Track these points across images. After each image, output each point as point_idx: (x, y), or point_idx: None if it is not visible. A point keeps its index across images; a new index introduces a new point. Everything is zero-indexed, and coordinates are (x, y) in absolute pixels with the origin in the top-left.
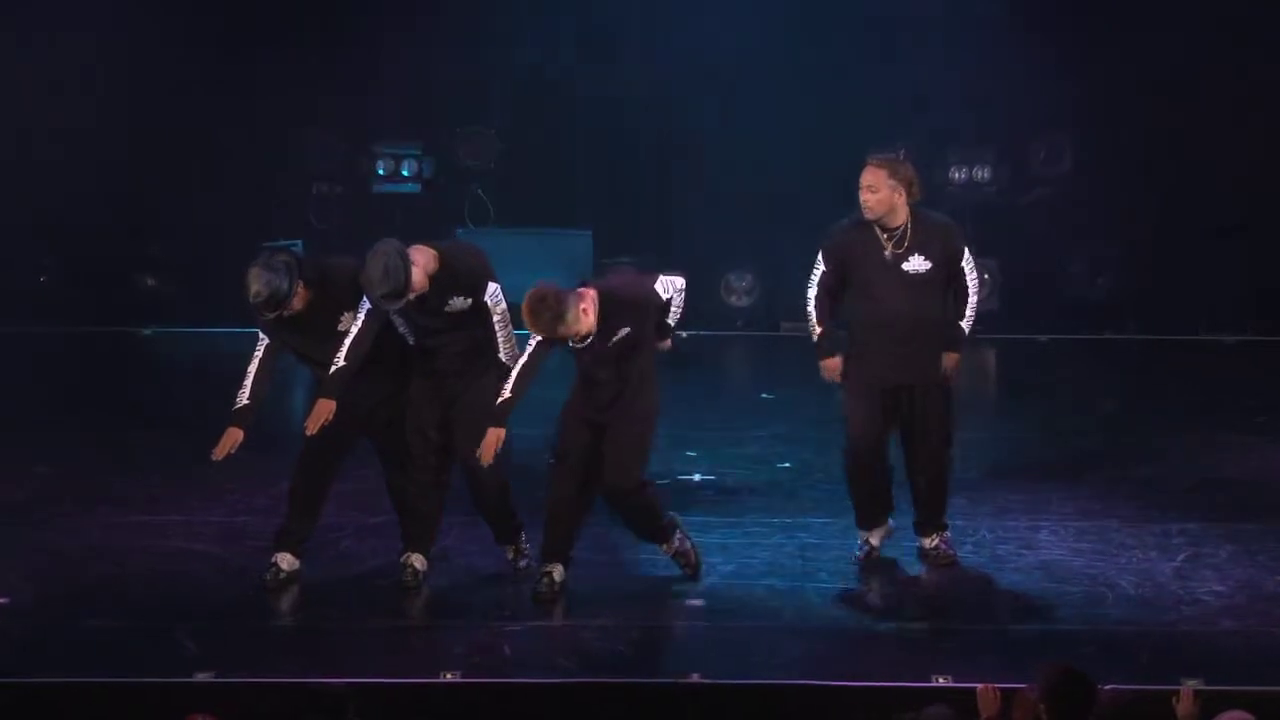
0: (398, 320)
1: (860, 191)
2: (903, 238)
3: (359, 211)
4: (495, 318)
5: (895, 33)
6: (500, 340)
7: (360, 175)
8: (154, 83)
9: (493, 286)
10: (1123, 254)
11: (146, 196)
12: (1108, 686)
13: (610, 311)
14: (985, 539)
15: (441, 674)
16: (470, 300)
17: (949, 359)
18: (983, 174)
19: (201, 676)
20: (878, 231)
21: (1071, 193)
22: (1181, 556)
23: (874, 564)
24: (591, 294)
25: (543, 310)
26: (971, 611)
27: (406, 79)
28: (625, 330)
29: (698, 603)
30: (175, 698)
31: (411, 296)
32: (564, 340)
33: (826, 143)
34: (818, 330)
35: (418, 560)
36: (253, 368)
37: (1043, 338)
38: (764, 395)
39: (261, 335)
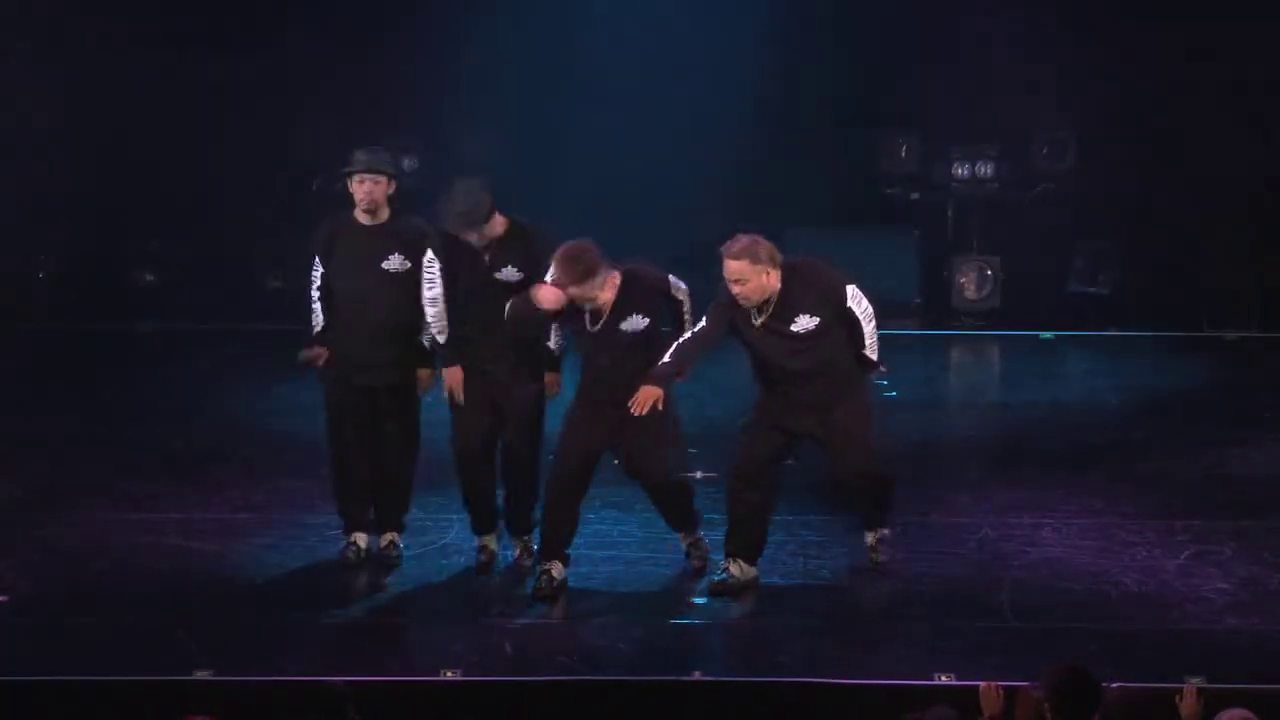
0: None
1: (731, 286)
2: (780, 306)
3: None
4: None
5: (897, 29)
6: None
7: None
8: (153, 79)
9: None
10: (1126, 250)
11: (145, 192)
12: (1112, 685)
13: (629, 295)
14: (988, 536)
15: (442, 672)
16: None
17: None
18: (985, 170)
19: (201, 674)
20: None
21: (1074, 188)
22: (1185, 554)
23: (875, 563)
24: (616, 275)
25: (578, 260)
26: (974, 609)
27: (415, 76)
28: (641, 321)
29: (699, 600)
30: (174, 696)
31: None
32: (580, 302)
33: (828, 142)
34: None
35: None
36: (317, 295)
37: (1045, 334)
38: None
39: (316, 263)
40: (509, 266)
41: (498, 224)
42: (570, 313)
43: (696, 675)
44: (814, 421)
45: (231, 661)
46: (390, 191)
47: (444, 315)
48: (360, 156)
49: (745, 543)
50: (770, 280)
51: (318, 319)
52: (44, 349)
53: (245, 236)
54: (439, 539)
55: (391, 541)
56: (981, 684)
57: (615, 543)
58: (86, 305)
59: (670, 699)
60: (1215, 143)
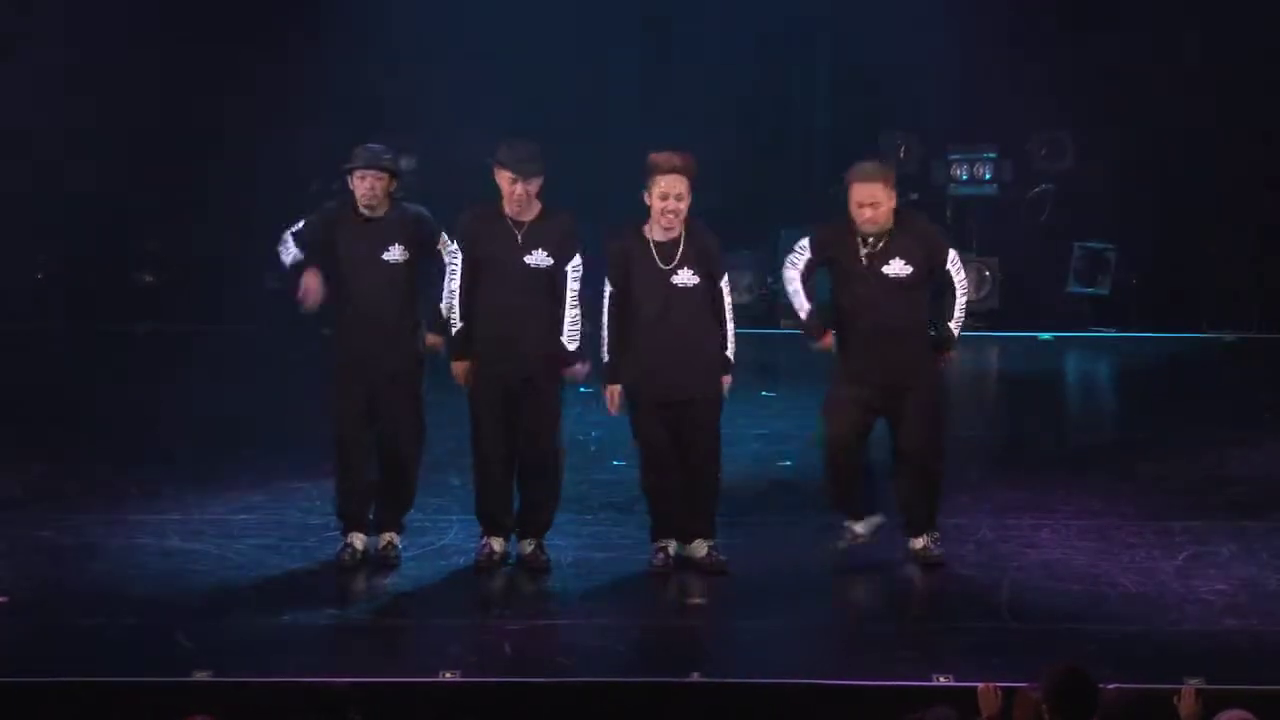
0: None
1: (861, 209)
2: (887, 244)
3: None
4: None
5: (897, 29)
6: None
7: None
8: (152, 80)
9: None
10: (1124, 251)
11: (145, 193)
12: (1110, 686)
13: (695, 236)
14: (987, 537)
15: (441, 673)
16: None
17: (941, 357)
18: (984, 171)
19: (200, 675)
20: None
21: (1073, 189)
22: (1184, 555)
23: (874, 563)
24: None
25: (682, 164)
26: (972, 610)
27: (413, 76)
28: (700, 272)
29: (698, 601)
30: (174, 697)
31: None
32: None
33: (827, 140)
34: (806, 308)
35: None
36: (290, 236)
37: (1044, 335)
38: (764, 393)
39: (300, 224)
40: (540, 250)
41: (535, 204)
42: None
43: (695, 677)
44: (890, 396)
45: (230, 662)
46: (391, 187)
47: (457, 305)
48: (361, 152)
49: (854, 500)
50: (891, 211)
51: (289, 252)
52: (42, 349)
53: (244, 238)
54: (438, 540)
55: (390, 542)
56: (980, 685)
57: (614, 544)
58: (85, 306)
59: (669, 700)
60: (1214, 143)
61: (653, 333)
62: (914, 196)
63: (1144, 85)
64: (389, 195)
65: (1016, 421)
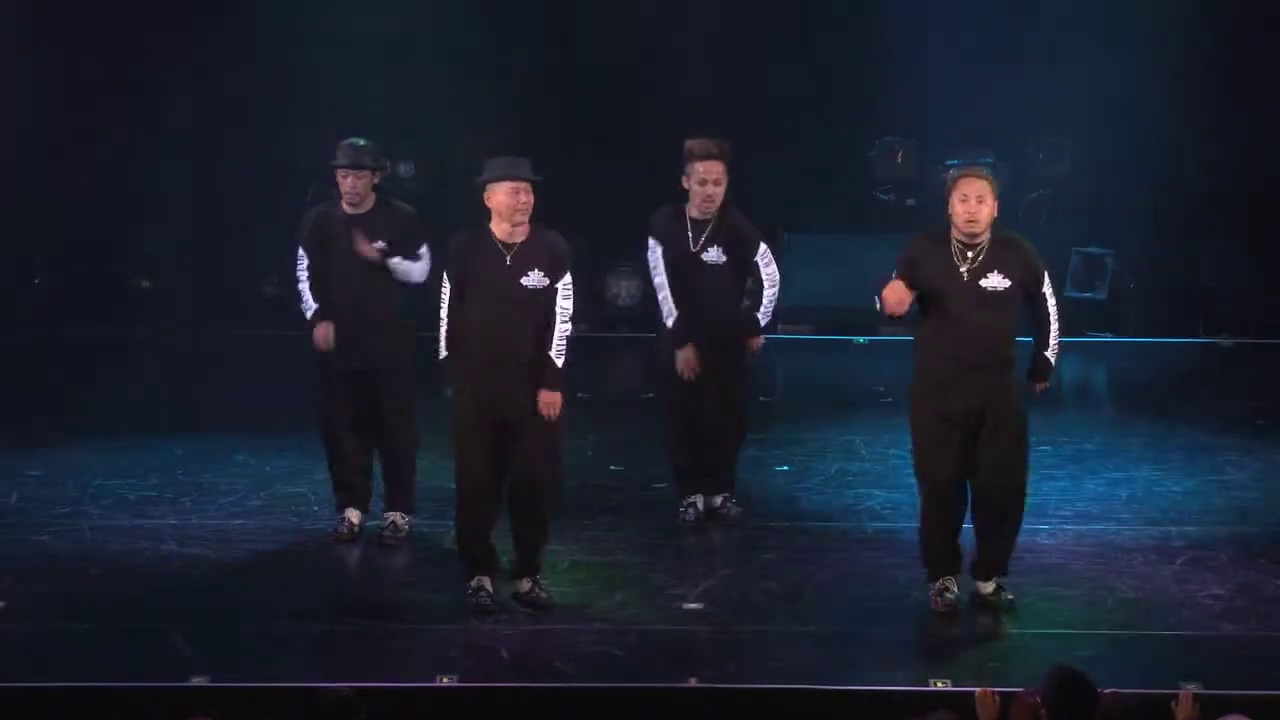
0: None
1: (969, 206)
2: (984, 255)
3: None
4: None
5: (894, 34)
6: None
7: None
8: (148, 81)
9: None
10: (1122, 255)
11: (142, 198)
12: (1108, 691)
13: (733, 214)
14: None
15: (439, 678)
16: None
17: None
18: None
19: (197, 680)
20: (955, 246)
21: (1070, 194)
22: (1181, 560)
23: (873, 568)
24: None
25: (718, 150)
26: (969, 615)
27: (411, 82)
28: (732, 253)
29: (695, 606)
30: (171, 702)
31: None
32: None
33: (825, 148)
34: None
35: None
36: (305, 282)
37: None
38: (762, 398)
39: (301, 254)
40: (535, 271)
41: (526, 225)
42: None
43: (693, 682)
44: (976, 423)
45: (227, 668)
46: (375, 183)
47: (444, 335)
48: (344, 150)
49: (954, 558)
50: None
51: (308, 305)
52: (40, 354)
53: (241, 242)
54: (436, 545)
55: (393, 522)
56: (977, 690)
57: (611, 549)
58: (83, 310)
59: (666, 705)
60: (1212, 148)
61: None
62: (911, 202)
63: (1142, 91)
64: (374, 192)
65: None
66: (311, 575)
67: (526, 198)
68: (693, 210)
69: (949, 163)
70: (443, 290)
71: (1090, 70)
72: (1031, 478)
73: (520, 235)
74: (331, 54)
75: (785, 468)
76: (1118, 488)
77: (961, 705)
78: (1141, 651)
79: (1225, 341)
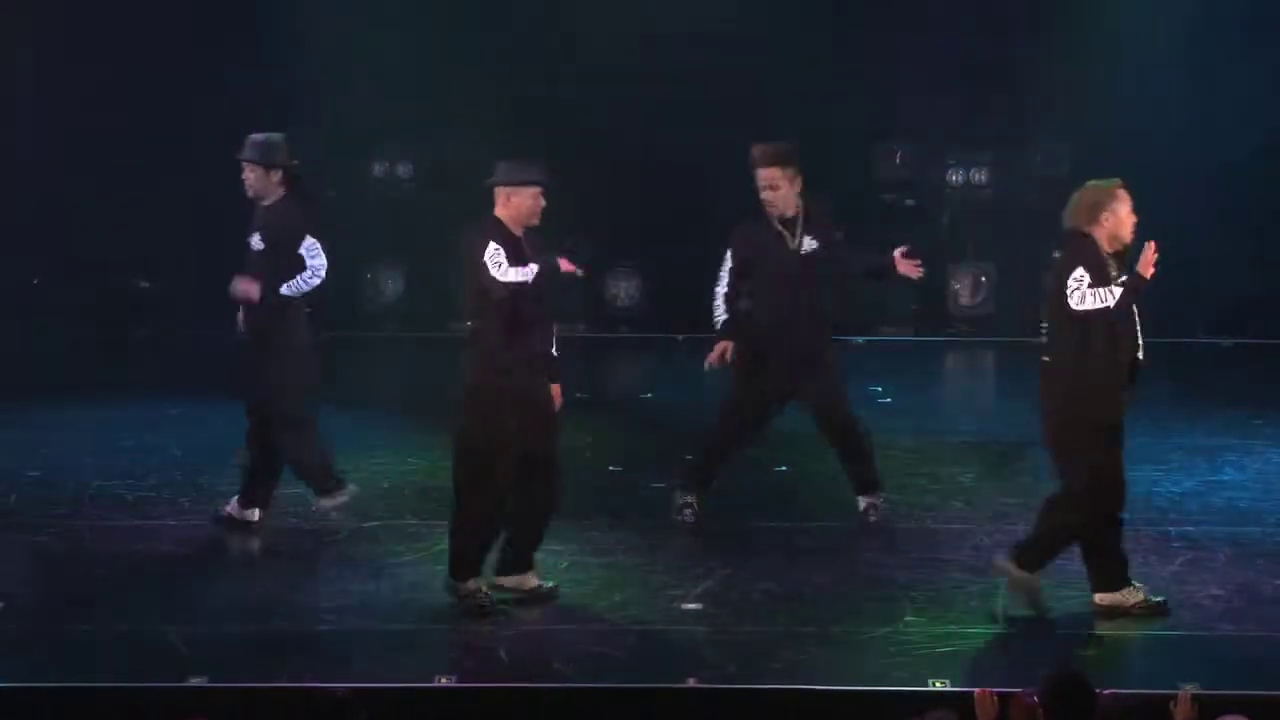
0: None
1: (1131, 220)
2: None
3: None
4: None
5: (892, 33)
6: None
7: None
8: (150, 88)
9: None
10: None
11: (141, 200)
12: (1107, 692)
13: (814, 208)
14: (983, 543)
15: (437, 678)
16: None
17: None
18: (980, 176)
19: (195, 681)
20: None
21: (1070, 195)
22: (1179, 560)
23: (872, 568)
24: None
25: (774, 155)
26: (968, 616)
27: (407, 85)
28: (817, 244)
29: (694, 606)
30: (168, 702)
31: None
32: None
33: (824, 148)
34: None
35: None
36: None
37: (1040, 340)
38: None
39: None
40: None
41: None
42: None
43: (691, 682)
44: None
45: (226, 669)
46: (275, 179)
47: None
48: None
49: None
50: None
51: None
52: (39, 355)
53: (237, 244)
54: (434, 545)
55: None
56: (976, 690)
57: (610, 549)
58: (82, 311)
59: (665, 706)
60: (1211, 149)
61: None
62: (910, 203)
63: (1141, 91)
64: (279, 186)
65: (1011, 427)
66: (309, 577)
67: (544, 203)
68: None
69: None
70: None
71: (1091, 69)
72: (1028, 479)
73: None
74: (331, 58)
75: (784, 468)
76: None
77: (961, 705)
78: (1140, 652)
79: (1225, 342)
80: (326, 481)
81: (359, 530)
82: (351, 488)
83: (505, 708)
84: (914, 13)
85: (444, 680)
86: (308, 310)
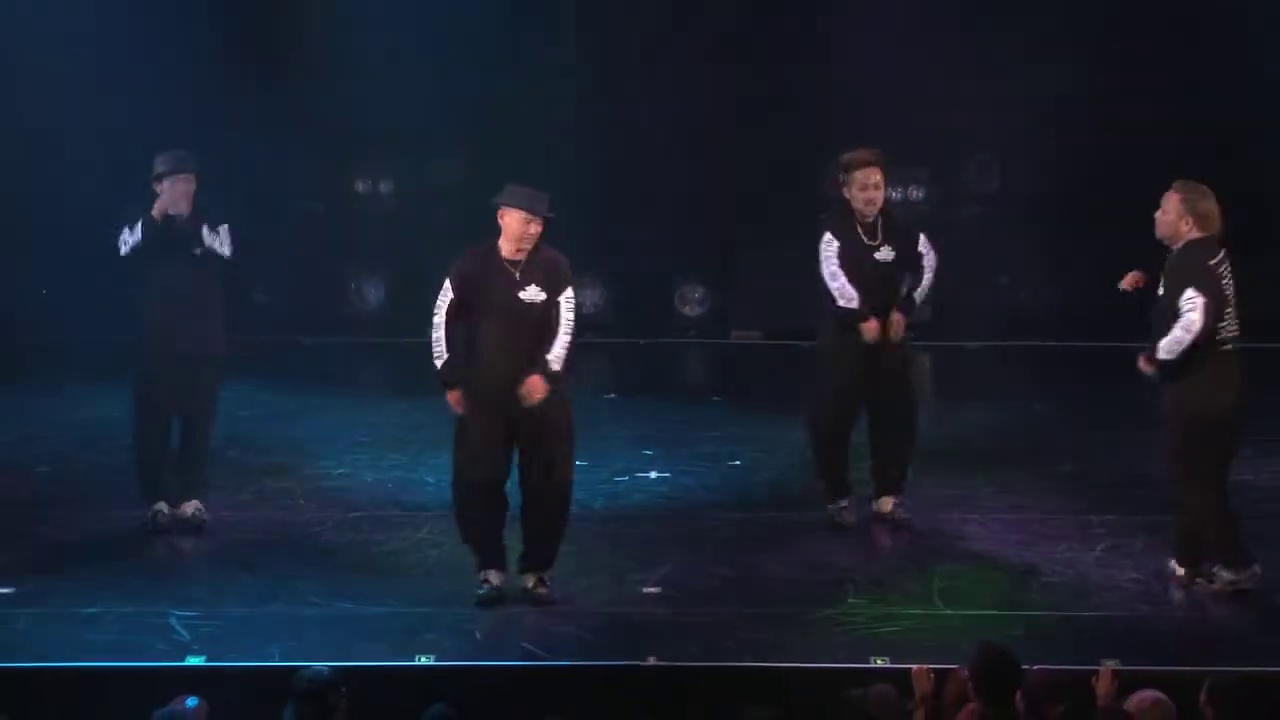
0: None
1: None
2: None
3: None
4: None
5: (835, 51)
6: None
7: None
8: (146, 99)
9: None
10: (1050, 266)
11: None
12: (1034, 667)
13: (897, 214)
14: (921, 531)
15: (416, 657)
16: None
17: None
18: (917, 193)
19: (191, 661)
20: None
21: (1002, 208)
22: (1101, 547)
23: (818, 555)
24: None
25: (874, 157)
26: (907, 598)
27: (387, 105)
28: (900, 250)
29: (654, 590)
30: (168, 680)
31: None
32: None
33: (771, 166)
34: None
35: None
36: None
37: (971, 344)
38: (714, 398)
39: None
40: (533, 286)
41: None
42: None
43: (652, 660)
44: None
45: (221, 649)
46: (191, 189)
47: (443, 340)
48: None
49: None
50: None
51: None
52: (48, 361)
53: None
54: (414, 534)
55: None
56: (914, 667)
57: (576, 538)
58: (84, 319)
59: (628, 683)
60: (1130, 162)
61: None
62: None
63: (1063, 108)
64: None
65: (946, 426)
66: (298, 563)
67: (535, 229)
68: (860, 213)
69: None
70: (440, 298)
71: (1022, 86)
72: (963, 472)
73: (524, 254)
74: (319, 83)
75: (737, 462)
76: (1043, 480)
77: (899, 681)
78: (1065, 631)
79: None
80: None
81: (344, 520)
82: None
83: (480, 685)
84: (854, 35)
85: (423, 659)
86: None
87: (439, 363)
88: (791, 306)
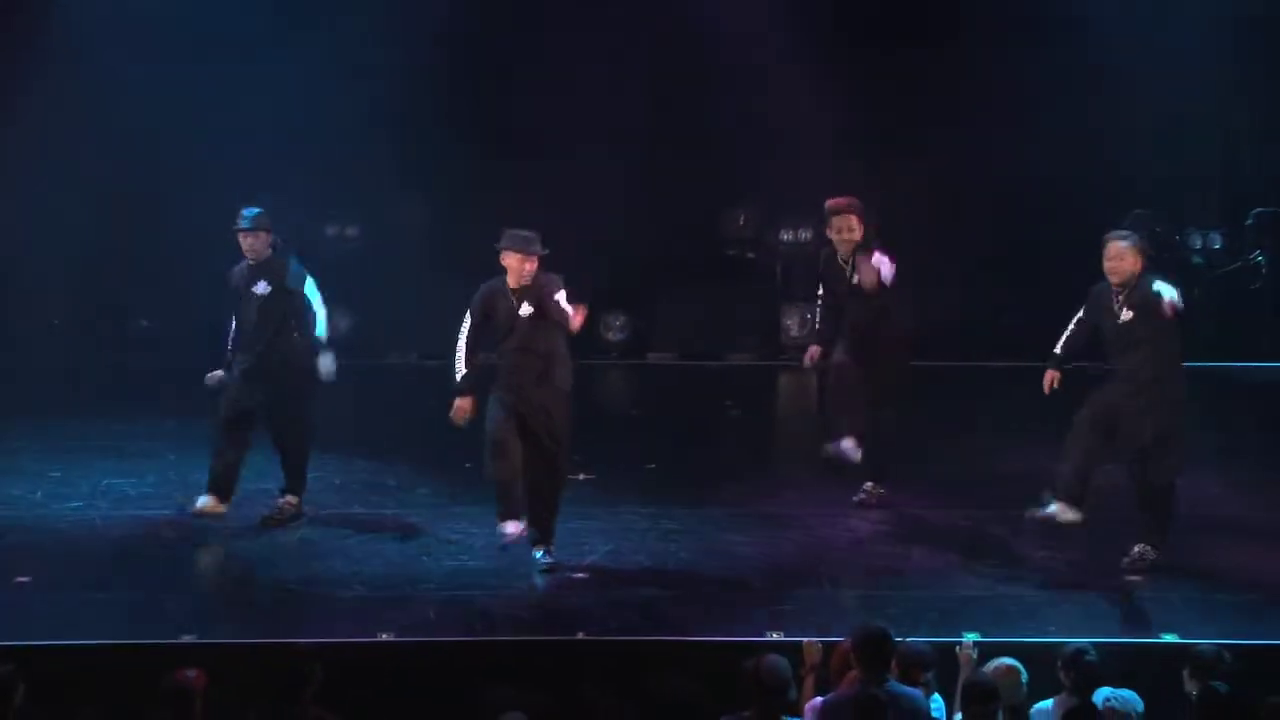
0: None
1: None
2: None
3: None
4: None
5: (738, 124)
6: None
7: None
8: (151, 126)
9: None
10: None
11: (141, 249)
12: (906, 639)
13: (872, 248)
14: (811, 524)
15: (378, 634)
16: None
17: None
18: (805, 235)
19: (186, 638)
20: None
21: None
22: (965, 536)
23: (722, 545)
24: None
25: (845, 205)
26: (799, 581)
27: (357, 152)
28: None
29: (582, 575)
30: (164, 656)
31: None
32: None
33: (683, 214)
34: None
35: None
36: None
37: None
38: (633, 412)
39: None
40: (527, 305)
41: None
42: None
43: (580, 635)
44: None
45: (211, 628)
46: (272, 240)
47: (462, 354)
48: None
49: None
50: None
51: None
52: (57, 382)
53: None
54: (377, 530)
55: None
56: (804, 640)
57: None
58: (91, 345)
59: (559, 654)
60: (992, 187)
61: None
62: (751, 256)
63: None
64: (271, 246)
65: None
66: (278, 554)
67: (530, 266)
68: (841, 252)
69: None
70: (465, 322)
71: (895, 150)
72: (850, 475)
73: (526, 282)
74: (290, 139)
75: (652, 465)
76: (916, 481)
77: (790, 652)
78: (933, 608)
79: (995, 364)
80: None
81: (317, 517)
82: None
83: (434, 658)
84: (755, 103)
85: (385, 636)
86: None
87: (457, 376)
88: (700, 331)
